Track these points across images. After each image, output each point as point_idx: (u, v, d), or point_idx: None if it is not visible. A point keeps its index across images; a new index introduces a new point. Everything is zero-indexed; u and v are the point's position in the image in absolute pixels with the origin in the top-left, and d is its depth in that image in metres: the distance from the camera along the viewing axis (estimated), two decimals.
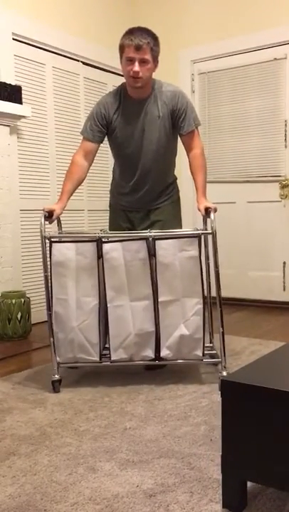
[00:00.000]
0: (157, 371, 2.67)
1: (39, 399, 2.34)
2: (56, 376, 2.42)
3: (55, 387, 2.42)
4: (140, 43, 2.43)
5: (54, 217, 2.53)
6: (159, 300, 2.41)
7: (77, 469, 1.69)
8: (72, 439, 1.93)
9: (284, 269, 4.34)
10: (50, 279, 2.42)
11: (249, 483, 1.50)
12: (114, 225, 2.80)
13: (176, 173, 2.85)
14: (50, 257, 2.42)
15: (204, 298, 2.42)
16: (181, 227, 2.81)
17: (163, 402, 2.27)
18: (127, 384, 2.51)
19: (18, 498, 1.53)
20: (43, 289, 3.93)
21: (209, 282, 2.64)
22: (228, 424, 1.43)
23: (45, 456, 1.79)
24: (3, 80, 3.59)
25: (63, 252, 2.41)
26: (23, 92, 3.68)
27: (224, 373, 2.38)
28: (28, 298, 3.52)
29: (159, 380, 2.55)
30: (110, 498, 1.51)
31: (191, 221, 4.61)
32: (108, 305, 2.42)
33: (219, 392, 2.24)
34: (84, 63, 4.34)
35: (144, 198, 2.72)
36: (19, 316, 3.40)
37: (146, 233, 2.43)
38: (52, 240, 2.44)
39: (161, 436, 1.92)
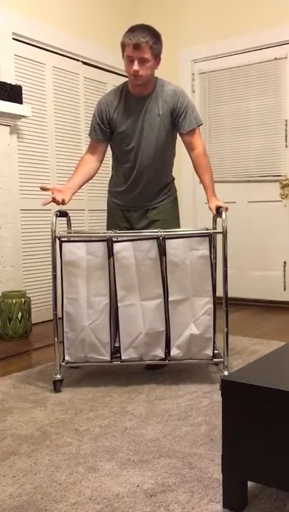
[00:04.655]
0: (158, 371, 2.67)
1: (40, 398, 2.34)
2: (58, 376, 2.42)
3: (57, 386, 2.42)
4: (138, 41, 2.42)
5: (67, 200, 2.49)
6: (170, 299, 2.41)
7: (77, 469, 1.69)
8: (73, 438, 1.93)
9: (284, 269, 4.34)
10: (61, 278, 2.42)
11: (249, 483, 1.50)
12: (112, 225, 2.80)
13: (175, 173, 2.85)
14: (61, 257, 2.42)
15: (215, 297, 2.43)
16: (179, 227, 2.81)
17: (163, 402, 2.27)
18: (128, 383, 2.51)
19: (19, 498, 1.53)
20: (43, 289, 3.94)
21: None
22: (228, 423, 1.43)
23: (46, 455, 1.79)
24: (3, 80, 3.59)
25: (74, 251, 2.41)
26: (23, 91, 3.68)
27: (226, 373, 2.38)
28: (29, 298, 3.52)
29: (159, 380, 2.55)
30: (111, 498, 1.51)
31: (191, 221, 4.62)
32: (119, 304, 2.42)
33: (220, 392, 2.24)
34: (84, 63, 4.34)
35: (141, 196, 2.72)
36: (19, 315, 3.40)
37: (157, 232, 2.43)
38: (62, 239, 2.44)
39: (162, 436, 1.92)
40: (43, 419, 2.11)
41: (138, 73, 2.47)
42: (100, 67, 4.46)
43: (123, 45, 2.49)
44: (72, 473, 1.67)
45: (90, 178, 2.69)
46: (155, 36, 2.49)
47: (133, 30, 2.47)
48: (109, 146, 2.76)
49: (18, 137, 3.77)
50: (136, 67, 2.46)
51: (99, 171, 2.74)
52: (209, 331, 2.42)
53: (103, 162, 2.75)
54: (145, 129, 2.61)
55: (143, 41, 2.42)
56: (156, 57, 2.52)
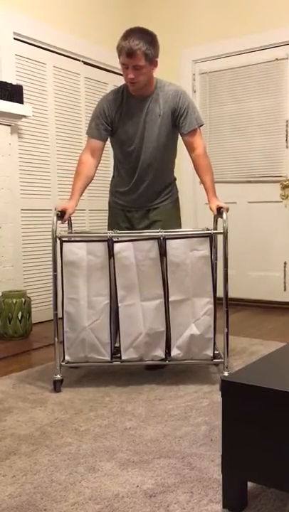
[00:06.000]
0: (158, 371, 2.67)
1: (39, 398, 2.34)
2: (58, 376, 2.42)
3: (57, 386, 2.42)
4: (130, 50, 2.40)
5: (66, 216, 2.51)
6: (170, 299, 2.41)
7: (77, 469, 1.69)
8: (73, 438, 1.93)
9: (284, 270, 4.33)
10: (61, 278, 2.42)
11: (249, 484, 1.50)
12: (113, 225, 2.80)
13: (175, 173, 2.85)
14: (61, 257, 2.42)
15: (215, 298, 2.42)
16: (180, 227, 2.81)
17: (163, 402, 2.27)
18: (128, 384, 2.51)
19: (19, 498, 1.53)
20: (43, 289, 3.94)
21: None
22: (228, 424, 1.43)
23: (46, 455, 1.79)
24: (4, 80, 3.59)
25: (74, 251, 2.41)
26: (24, 91, 3.68)
27: (226, 373, 2.38)
28: (29, 297, 3.52)
29: (159, 380, 2.55)
30: (110, 498, 1.51)
31: (192, 221, 4.62)
32: (119, 304, 2.42)
33: (220, 392, 2.24)
34: (85, 63, 4.34)
35: (142, 196, 2.72)
36: (20, 315, 3.40)
37: (158, 233, 2.43)
38: (63, 239, 2.44)
39: (162, 436, 1.92)
40: (43, 419, 2.11)
41: (133, 80, 2.48)
42: (100, 67, 4.46)
43: (118, 51, 2.48)
44: (71, 473, 1.67)
45: (91, 181, 2.69)
46: (149, 41, 2.45)
47: (126, 36, 2.45)
48: (110, 146, 2.76)
49: (18, 137, 3.77)
50: (131, 75, 2.47)
51: (100, 171, 2.75)
52: (209, 332, 2.42)
53: (103, 162, 2.74)
54: (146, 129, 2.61)
55: (136, 48, 2.40)
56: (152, 61, 2.50)
